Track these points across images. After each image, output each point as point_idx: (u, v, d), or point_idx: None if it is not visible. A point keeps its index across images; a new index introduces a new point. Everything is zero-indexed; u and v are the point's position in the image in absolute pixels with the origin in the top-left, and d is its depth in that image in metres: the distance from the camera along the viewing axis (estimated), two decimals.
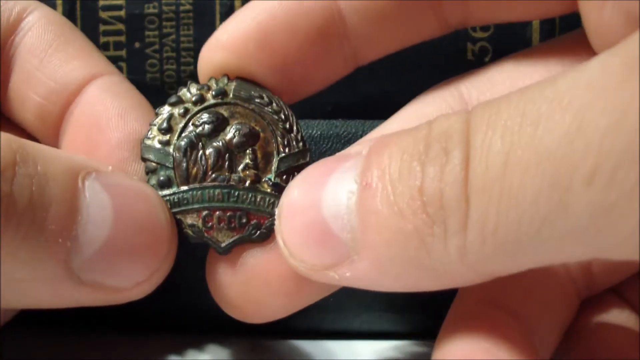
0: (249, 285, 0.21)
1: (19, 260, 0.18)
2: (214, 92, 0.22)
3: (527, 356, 0.19)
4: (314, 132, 0.28)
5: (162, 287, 0.28)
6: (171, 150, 0.22)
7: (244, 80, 0.22)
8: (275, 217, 0.20)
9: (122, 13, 0.28)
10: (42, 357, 0.26)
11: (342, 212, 0.18)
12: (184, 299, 0.28)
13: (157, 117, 0.22)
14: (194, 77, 0.28)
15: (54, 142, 0.24)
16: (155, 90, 0.28)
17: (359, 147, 0.19)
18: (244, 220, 0.21)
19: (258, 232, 0.21)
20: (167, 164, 0.22)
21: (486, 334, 0.20)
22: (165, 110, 0.22)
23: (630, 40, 0.15)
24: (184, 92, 0.22)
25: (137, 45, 0.28)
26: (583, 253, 0.16)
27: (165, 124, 0.22)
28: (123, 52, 0.28)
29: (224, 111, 0.22)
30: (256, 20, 0.22)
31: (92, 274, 0.19)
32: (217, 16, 0.28)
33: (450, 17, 0.23)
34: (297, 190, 0.20)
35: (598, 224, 0.15)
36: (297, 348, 0.28)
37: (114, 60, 0.28)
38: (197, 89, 0.22)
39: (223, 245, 0.21)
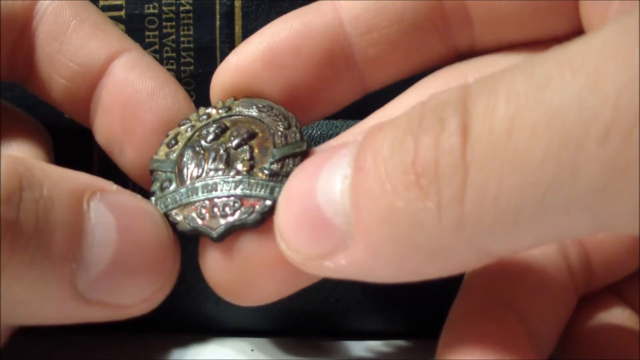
0: (243, 271, 0.21)
1: (25, 283, 0.18)
2: (219, 110, 0.23)
3: (531, 357, 0.19)
4: (314, 132, 0.28)
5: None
6: (174, 157, 0.22)
7: (250, 98, 0.23)
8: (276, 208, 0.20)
9: (122, 13, 0.28)
10: (42, 357, 0.26)
11: (336, 197, 0.18)
12: (184, 300, 0.28)
13: (167, 137, 0.23)
14: (194, 77, 0.28)
15: (85, 120, 0.25)
16: None
17: (356, 135, 0.19)
18: (237, 205, 0.21)
19: (251, 216, 0.20)
20: (169, 170, 0.22)
21: (491, 333, 0.19)
22: (174, 130, 0.23)
23: None
24: (192, 115, 0.23)
25: None
26: (588, 225, 0.15)
27: (172, 140, 0.23)
28: None
29: (227, 122, 0.23)
30: (264, 43, 0.23)
31: (97, 293, 0.19)
32: (217, 16, 0.28)
33: (458, 41, 0.23)
34: (293, 180, 0.19)
35: (610, 186, 0.14)
36: (297, 348, 0.28)
37: None
38: (204, 110, 0.23)
39: (216, 231, 0.21)
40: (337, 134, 0.27)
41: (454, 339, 0.20)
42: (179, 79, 0.28)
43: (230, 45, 0.28)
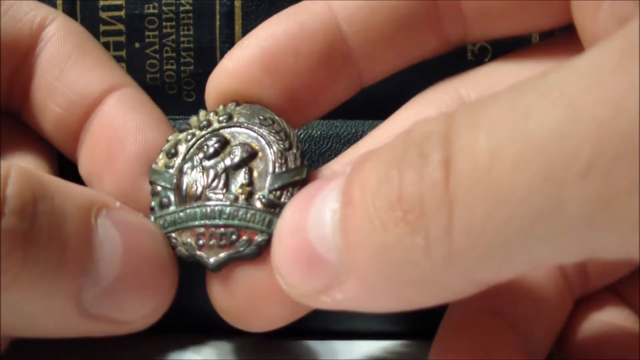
0: (247, 299, 0.21)
1: (33, 296, 0.18)
2: (220, 117, 0.23)
3: None
4: (314, 132, 0.28)
5: None
6: (173, 172, 0.22)
7: (251, 104, 0.23)
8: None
9: (122, 13, 0.28)
10: (42, 357, 0.26)
11: (327, 232, 0.17)
12: (184, 300, 0.28)
13: (167, 143, 0.23)
14: (193, 78, 0.28)
15: (72, 151, 0.25)
16: (155, 91, 0.28)
17: (344, 166, 0.19)
18: (234, 237, 0.21)
19: (248, 248, 0.21)
20: (168, 186, 0.22)
21: (481, 345, 0.19)
22: (174, 136, 0.23)
23: (627, 28, 0.14)
24: (193, 119, 0.23)
25: (137, 45, 0.28)
26: (579, 253, 0.15)
27: (172, 149, 0.23)
28: (123, 52, 0.28)
29: (226, 134, 0.22)
30: (260, 46, 0.22)
31: (101, 309, 0.19)
32: (217, 16, 0.28)
33: (451, 35, 0.24)
34: (286, 215, 0.19)
35: (595, 220, 0.14)
36: (297, 348, 0.28)
37: None
38: (205, 115, 0.23)
39: (212, 262, 0.21)
40: (337, 134, 0.27)
41: (443, 350, 0.20)
42: (179, 79, 0.28)
43: (230, 45, 0.28)
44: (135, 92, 0.24)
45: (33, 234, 0.18)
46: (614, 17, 0.20)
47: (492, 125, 0.15)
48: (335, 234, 0.17)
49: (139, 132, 0.23)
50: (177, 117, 0.28)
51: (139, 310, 0.20)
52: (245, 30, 0.28)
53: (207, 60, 0.28)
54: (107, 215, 0.20)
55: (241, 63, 0.23)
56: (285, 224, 0.19)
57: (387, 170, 0.16)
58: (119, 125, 0.23)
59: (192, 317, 0.29)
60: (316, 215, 0.18)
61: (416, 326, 0.28)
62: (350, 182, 0.17)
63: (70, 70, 0.24)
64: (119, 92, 0.24)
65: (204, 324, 0.29)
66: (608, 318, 0.23)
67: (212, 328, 0.28)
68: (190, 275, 0.26)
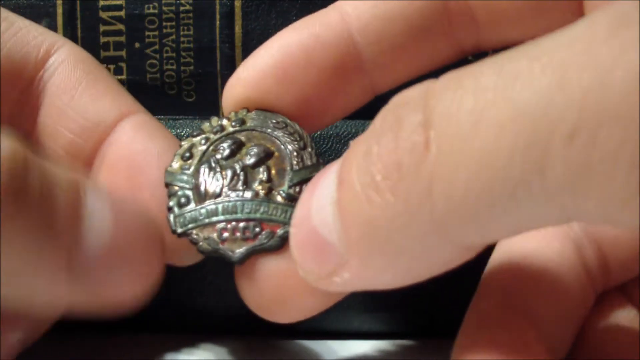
0: (275, 291, 0.21)
1: (24, 251, 0.18)
2: (233, 122, 0.23)
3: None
4: (314, 132, 0.28)
5: (163, 287, 0.28)
6: (190, 172, 0.22)
7: (263, 110, 0.23)
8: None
9: (122, 13, 0.28)
10: (42, 357, 0.26)
11: (328, 217, 0.18)
12: (184, 300, 0.28)
13: (180, 148, 0.23)
14: (193, 78, 0.28)
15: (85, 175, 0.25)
16: (155, 90, 0.28)
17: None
18: (257, 230, 0.21)
19: (271, 240, 0.21)
20: (186, 186, 0.22)
21: (504, 344, 0.19)
22: (187, 141, 0.23)
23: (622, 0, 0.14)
24: (205, 125, 0.23)
25: (137, 45, 0.28)
26: (560, 217, 0.15)
27: (187, 152, 0.23)
28: (123, 52, 0.28)
29: (241, 137, 0.23)
30: (274, 57, 0.23)
31: (91, 282, 0.20)
32: (217, 16, 0.28)
33: (464, 42, 0.24)
34: (297, 206, 0.20)
35: (577, 186, 0.14)
36: (297, 348, 0.28)
37: (114, 60, 0.28)
38: (217, 121, 0.23)
39: (237, 254, 0.21)
40: (337, 134, 0.27)
41: (467, 344, 0.20)
42: (179, 79, 0.28)
43: (230, 45, 0.28)
44: (148, 118, 0.25)
45: (26, 191, 0.18)
46: None
47: (478, 87, 0.15)
48: (334, 216, 0.18)
49: (160, 159, 0.23)
50: (177, 117, 0.28)
51: (128, 283, 0.21)
52: (246, 31, 0.28)
53: (207, 60, 0.28)
54: (94, 190, 0.20)
55: (255, 72, 0.23)
56: (296, 214, 0.20)
57: (367, 144, 0.17)
58: (139, 152, 0.23)
59: (191, 317, 0.29)
60: (318, 202, 0.18)
61: (417, 326, 0.29)
62: (343, 164, 0.18)
63: (82, 96, 0.24)
64: (132, 119, 0.24)
65: (203, 323, 0.29)
66: (617, 319, 0.23)
67: (211, 328, 0.29)
68: (191, 275, 0.26)
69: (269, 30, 0.28)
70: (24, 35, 0.24)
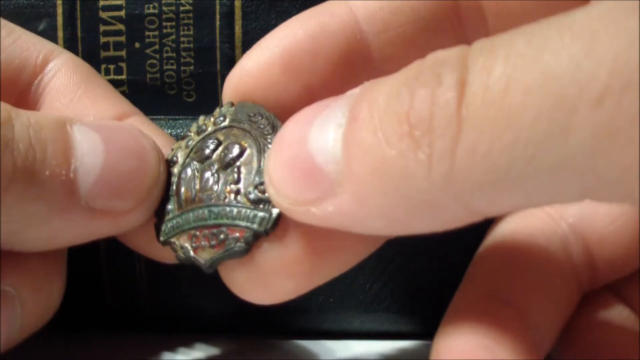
0: (257, 272, 0.21)
1: (30, 195, 0.20)
2: (215, 120, 0.23)
3: (527, 356, 0.19)
4: None
5: (162, 287, 0.28)
6: (173, 179, 0.22)
7: (244, 103, 0.23)
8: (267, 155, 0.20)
9: (122, 13, 0.28)
10: (42, 357, 0.26)
11: (328, 145, 0.18)
12: (184, 299, 0.28)
13: (171, 152, 0.23)
14: (193, 78, 0.28)
15: None
16: (155, 90, 0.28)
17: (354, 89, 0.19)
18: (222, 236, 0.21)
19: (236, 245, 0.21)
20: (170, 193, 0.22)
21: (487, 330, 0.19)
22: (177, 144, 0.23)
23: None
24: (193, 126, 0.23)
25: (137, 45, 0.28)
26: (575, 188, 0.15)
27: (174, 157, 0.23)
28: (123, 52, 0.28)
29: (220, 136, 0.23)
30: (280, 46, 0.22)
31: (98, 200, 0.21)
32: (217, 16, 0.28)
33: (472, 38, 0.24)
34: (287, 127, 0.19)
35: (599, 150, 0.14)
36: (297, 348, 0.28)
37: (114, 60, 0.28)
38: (203, 120, 0.23)
39: (203, 262, 0.21)
40: None
41: (448, 335, 0.20)
42: (179, 79, 0.28)
43: (230, 45, 0.28)
44: (145, 120, 0.25)
45: (16, 140, 0.20)
46: None
47: (508, 54, 0.15)
48: (337, 146, 0.18)
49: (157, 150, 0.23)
50: (177, 117, 0.28)
51: (134, 195, 0.22)
52: (246, 31, 0.28)
53: (207, 60, 0.28)
54: (82, 123, 0.22)
55: (260, 62, 0.22)
56: (285, 135, 0.19)
57: (398, 89, 0.17)
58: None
59: (191, 317, 0.29)
60: (319, 128, 0.18)
61: (416, 326, 0.29)
62: (359, 100, 0.18)
63: (81, 100, 0.25)
64: (130, 120, 0.25)
65: (203, 324, 0.29)
66: (607, 318, 0.23)
67: (212, 328, 0.29)
68: (191, 275, 0.26)
69: (269, 30, 0.28)
70: (24, 41, 0.25)
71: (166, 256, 0.23)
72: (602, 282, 0.24)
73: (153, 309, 0.28)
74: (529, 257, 0.22)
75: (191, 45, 0.28)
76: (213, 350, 0.27)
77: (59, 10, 0.28)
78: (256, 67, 0.22)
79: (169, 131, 0.27)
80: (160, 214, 0.22)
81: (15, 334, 0.22)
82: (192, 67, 0.28)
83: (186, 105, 0.28)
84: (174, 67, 0.28)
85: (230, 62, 0.28)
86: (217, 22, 0.28)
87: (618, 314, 0.23)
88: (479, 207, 0.17)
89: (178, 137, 0.27)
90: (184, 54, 0.28)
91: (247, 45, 0.28)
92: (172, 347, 0.27)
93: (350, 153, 0.17)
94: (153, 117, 0.26)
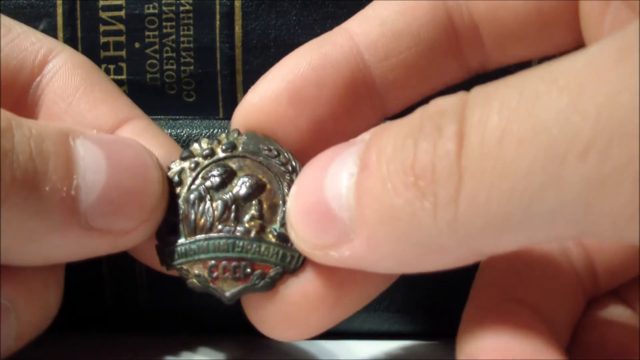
0: (283, 309, 0.22)
1: (29, 211, 0.19)
2: (223, 146, 0.23)
3: (555, 350, 0.19)
4: None
5: (162, 287, 0.28)
6: (180, 202, 0.22)
7: (254, 133, 0.23)
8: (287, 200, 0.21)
9: (122, 13, 0.28)
10: (42, 357, 0.26)
11: (342, 192, 0.19)
12: (184, 299, 0.28)
13: (169, 171, 0.23)
14: (193, 78, 0.28)
15: None
16: (155, 90, 0.28)
17: (364, 135, 0.20)
18: (249, 270, 0.21)
19: (262, 281, 0.21)
20: (174, 216, 0.22)
21: (511, 329, 0.20)
22: (177, 164, 0.23)
23: (628, 27, 0.16)
24: (195, 147, 0.23)
25: (137, 45, 0.28)
26: (572, 231, 0.16)
27: (176, 177, 0.23)
28: (123, 52, 0.28)
29: (232, 164, 0.23)
30: (285, 80, 0.23)
31: (98, 219, 0.20)
32: (217, 16, 0.28)
33: (471, 61, 0.24)
34: (305, 174, 0.21)
35: (589, 198, 0.15)
36: (297, 348, 0.28)
37: (114, 60, 0.28)
38: (208, 143, 0.23)
39: (227, 295, 0.21)
40: None
41: (472, 337, 0.20)
42: (179, 79, 0.28)
43: (230, 45, 0.28)
44: (146, 124, 0.25)
45: (17, 152, 0.19)
46: (620, 22, 0.20)
47: (502, 106, 0.16)
48: (350, 194, 0.19)
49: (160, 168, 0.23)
50: (177, 117, 0.28)
51: (135, 215, 0.21)
52: (245, 30, 0.28)
53: (207, 60, 0.28)
54: (85, 137, 0.21)
55: (267, 96, 0.23)
56: (304, 182, 0.20)
57: (403, 139, 0.18)
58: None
59: (191, 317, 0.29)
60: (333, 176, 0.19)
61: (417, 326, 0.29)
62: (368, 148, 0.19)
63: (79, 103, 0.24)
64: (132, 125, 0.24)
65: (203, 324, 0.29)
66: (610, 319, 0.23)
67: (212, 328, 0.29)
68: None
69: (269, 30, 0.28)
70: (22, 41, 0.24)
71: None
72: (604, 287, 0.24)
73: (153, 309, 0.28)
74: (536, 262, 0.23)
75: (191, 45, 0.28)
76: (213, 350, 0.27)
77: (59, 10, 0.28)
78: (263, 100, 0.23)
79: (169, 131, 0.27)
80: (162, 236, 0.22)
81: (10, 345, 0.22)
82: (192, 67, 0.28)
83: (186, 105, 0.28)
84: (174, 67, 0.28)
85: (230, 62, 0.28)
86: (217, 22, 0.28)
87: (620, 314, 0.24)
88: (483, 248, 0.18)
89: (178, 137, 0.27)
90: (184, 54, 0.28)
91: (247, 45, 0.28)
92: (172, 347, 0.27)
93: (361, 200, 0.18)
94: (153, 117, 0.26)
